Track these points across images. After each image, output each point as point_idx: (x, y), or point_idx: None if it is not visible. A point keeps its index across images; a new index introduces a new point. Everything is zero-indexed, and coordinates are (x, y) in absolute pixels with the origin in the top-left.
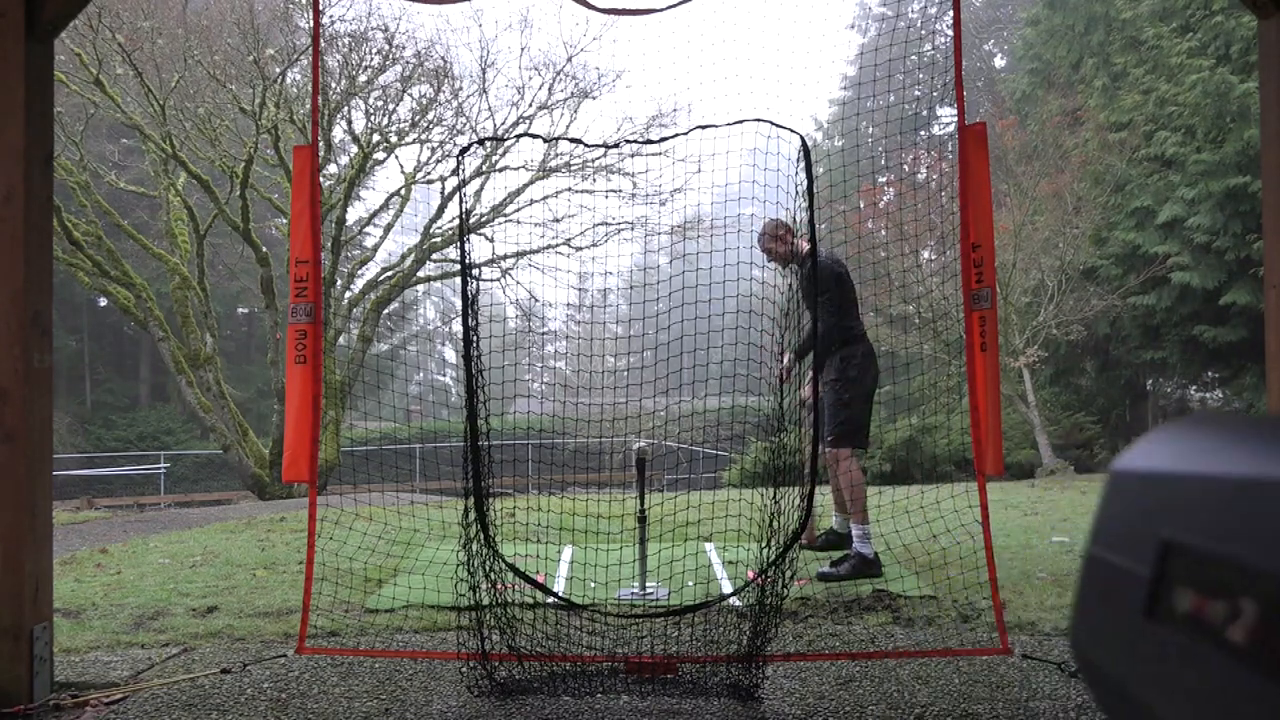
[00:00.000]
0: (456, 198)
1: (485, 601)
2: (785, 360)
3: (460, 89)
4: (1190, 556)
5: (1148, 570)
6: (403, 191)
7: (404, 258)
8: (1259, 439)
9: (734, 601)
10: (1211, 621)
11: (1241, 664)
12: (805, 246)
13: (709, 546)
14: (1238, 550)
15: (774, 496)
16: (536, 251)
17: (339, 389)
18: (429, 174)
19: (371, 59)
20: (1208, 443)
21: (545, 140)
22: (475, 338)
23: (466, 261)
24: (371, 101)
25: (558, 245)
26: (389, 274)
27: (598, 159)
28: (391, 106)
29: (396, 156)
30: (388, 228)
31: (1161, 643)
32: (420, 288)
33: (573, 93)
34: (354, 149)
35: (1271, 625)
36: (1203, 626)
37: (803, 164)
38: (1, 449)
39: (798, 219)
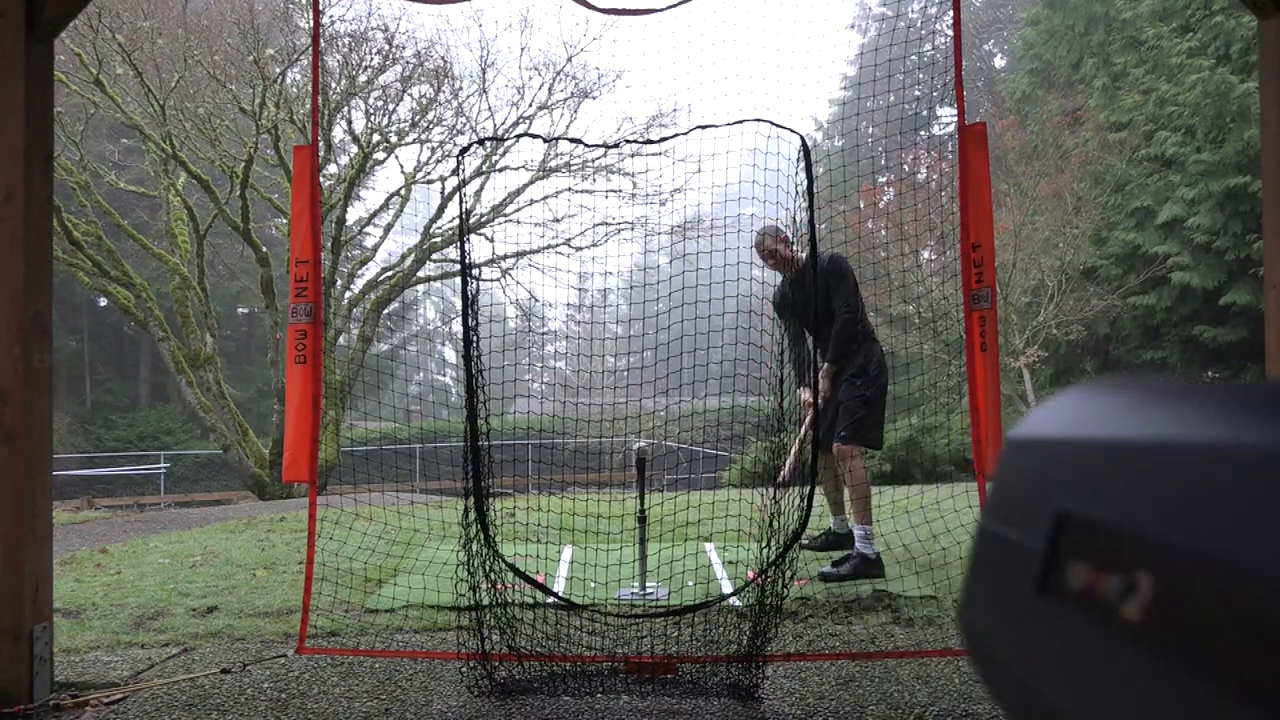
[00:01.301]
0: (456, 198)
1: (485, 601)
2: (823, 384)
3: (460, 89)
4: (1084, 528)
5: (1040, 544)
6: (403, 191)
7: (404, 258)
8: (1161, 402)
9: (734, 601)
10: (1105, 598)
11: (1133, 642)
12: (802, 256)
13: (709, 546)
14: (1131, 520)
15: (774, 496)
16: (536, 251)
17: (339, 389)
18: (429, 174)
19: (371, 59)
20: (1108, 407)
21: (545, 140)
22: (475, 338)
23: (466, 261)
24: (371, 101)
25: (558, 245)
26: (389, 274)
27: (598, 159)
28: (391, 106)
29: (396, 156)
30: (388, 228)
31: (1053, 622)
32: (420, 288)
33: (573, 93)
34: (354, 149)
35: (1164, 600)
36: (1096, 603)
37: (803, 164)
38: (1, 449)
39: (797, 219)
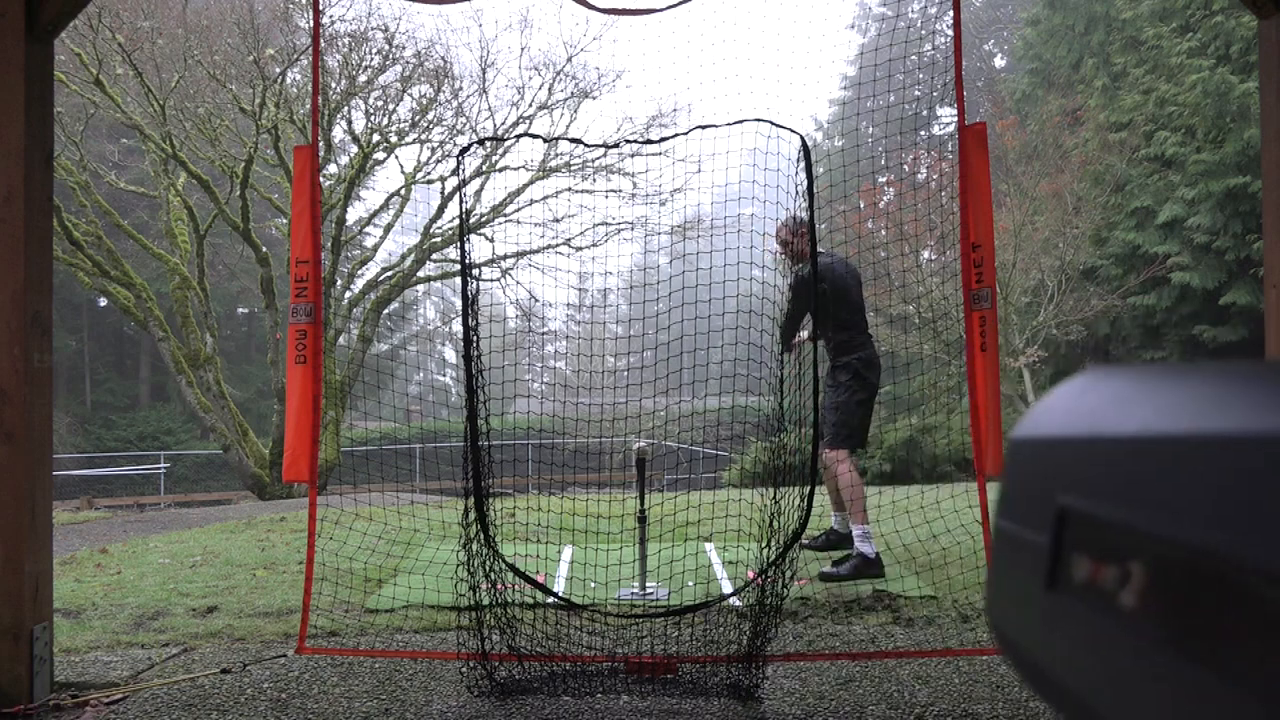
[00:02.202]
0: (456, 198)
1: (485, 601)
2: (804, 336)
3: (460, 89)
4: (1085, 522)
5: (1046, 539)
6: (403, 191)
7: (404, 258)
8: (1148, 391)
9: (734, 601)
10: (1107, 589)
11: (1134, 632)
12: (820, 249)
13: (709, 546)
14: (1126, 513)
15: (774, 496)
16: (536, 251)
17: (339, 389)
18: (429, 174)
19: (371, 59)
20: (1102, 400)
21: (545, 140)
22: (475, 338)
23: (466, 261)
24: (371, 101)
25: (558, 245)
26: (389, 274)
27: (598, 159)
28: (391, 106)
29: (396, 156)
30: (388, 228)
31: (1062, 614)
32: (420, 288)
33: (573, 93)
34: (354, 149)
35: (1160, 590)
36: (1099, 594)
37: (803, 164)
38: (1, 449)
39: (798, 219)
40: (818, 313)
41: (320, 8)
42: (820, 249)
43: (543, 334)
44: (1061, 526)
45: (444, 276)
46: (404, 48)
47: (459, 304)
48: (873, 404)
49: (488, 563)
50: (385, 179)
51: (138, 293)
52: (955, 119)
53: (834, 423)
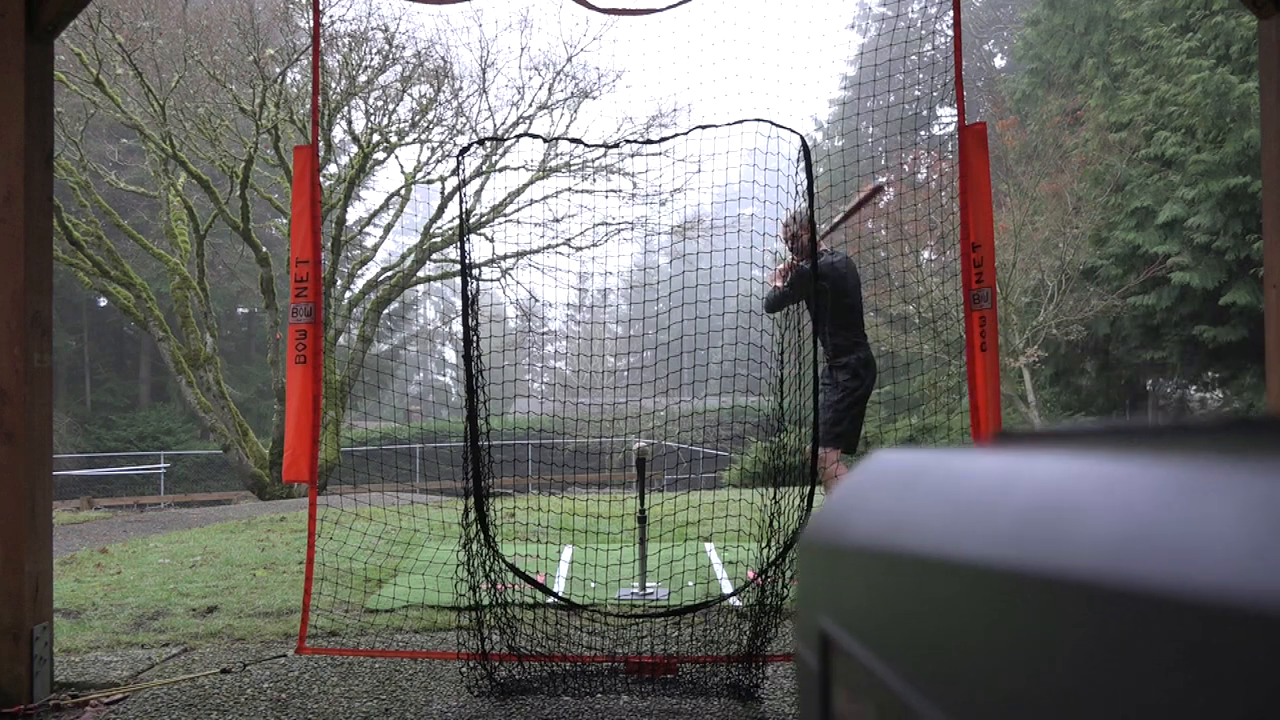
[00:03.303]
0: (456, 198)
1: (485, 601)
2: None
3: (460, 89)
4: (840, 652)
5: (816, 667)
6: (403, 191)
7: (404, 258)
8: (913, 487)
9: (734, 601)
10: None
11: None
12: (821, 245)
13: (709, 546)
14: (860, 647)
15: (774, 496)
16: (536, 251)
17: (339, 389)
18: (429, 174)
19: (371, 59)
20: (873, 497)
21: (545, 140)
22: (475, 338)
23: (466, 261)
24: (371, 101)
25: (558, 245)
26: (389, 274)
27: (598, 159)
28: (391, 106)
29: (396, 156)
30: (388, 228)
31: None
32: (420, 288)
33: (573, 93)
34: (354, 149)
35: None
36: None
37: (803, 164)
38: (1, 449)
39: (798, 219)
40: (817, 311)
41: (320, 8)
42: (824, 247)
43: (543, 334)
44: (826, 654)
45: (444, 276)
46: (404, 48)
47: (459, 304)
48: (865, 405)
49: (488, 563)
50: (385, 179)
51: (138, 293)
52: (955, 119)
53: (825, 421)
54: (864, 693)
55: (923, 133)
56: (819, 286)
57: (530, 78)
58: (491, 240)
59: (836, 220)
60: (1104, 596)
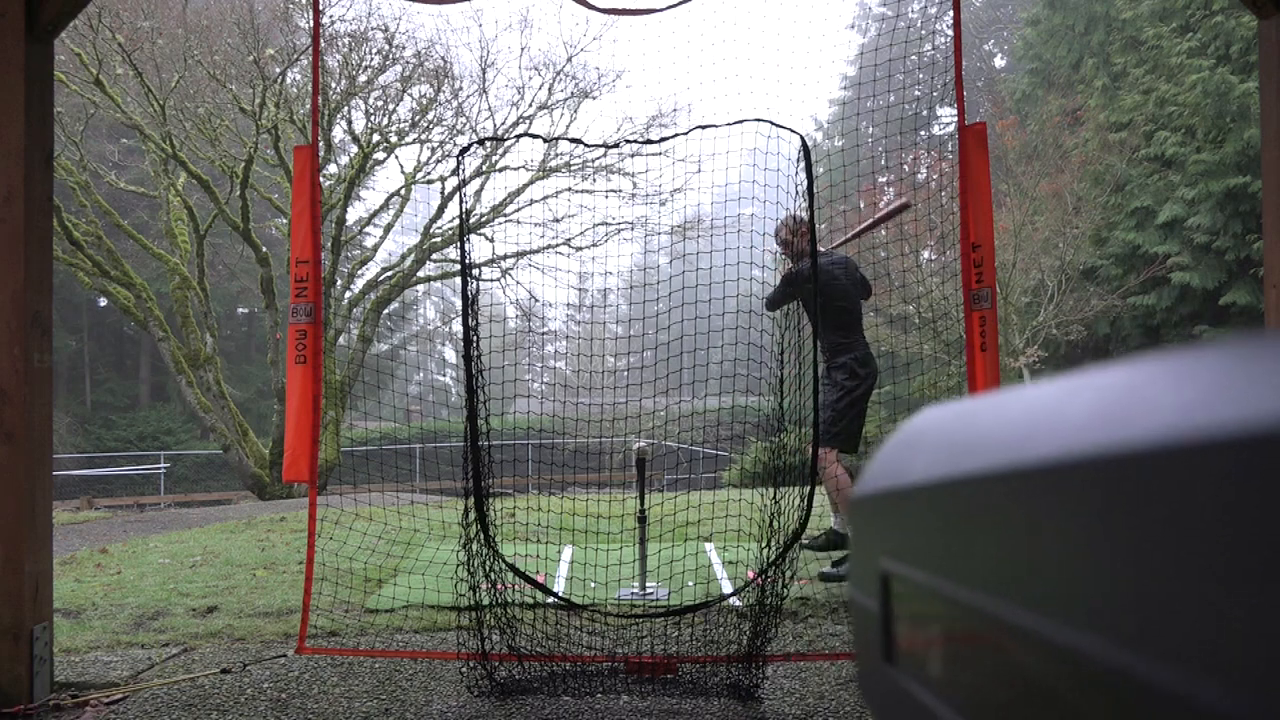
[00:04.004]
0: (456, 198)
1: (485, 601)
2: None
3: (460, 89)
4: (902, 586)
5: (877, 608)
6: (403, 191)
7: (404, 258)
8: (958, 427)
9: (734, 601)
10: (922, 659)
11: (945, 705)
12: (820, 247)
13: (709, 546)
14: (924, 572)
15: (774, 496)
16: (536, 251)
17: (339, 389)
18: (429, 174)
19: (371, 59)
20: (916, 445)
21: (545, 140)
22: (475, 338)
23: (466, 261)
24: (371, 101)
25: (558, 245)
26: (389, 274)
27: (598, 159)
28: (391, 106)
29: (396, 156)
30: (388, 228)
31: (896, 688)
32: (420, 288)
33: (573, 93)
34: (354, 149)
35: (957, 654)
36: (917, 664)
37: (803, 164)
38: (1, 449)
39: (798, 218)
40: (813, 313)
41: (320, 8)
42: (821, 248)
43: (543, 334)
44: (887, 593)
45: (444, 276)
46: (404, 48)
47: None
48: (866, 405)
49: (488, 563)
50: (385, 179)
51: (138, 293)
52: (955, 119)
53: (824, 421)
54: (926, 615)
55: (923, 133)
56: (808, 289)
57: (530, 78)
58: (491, 240)
59: (854, 232)
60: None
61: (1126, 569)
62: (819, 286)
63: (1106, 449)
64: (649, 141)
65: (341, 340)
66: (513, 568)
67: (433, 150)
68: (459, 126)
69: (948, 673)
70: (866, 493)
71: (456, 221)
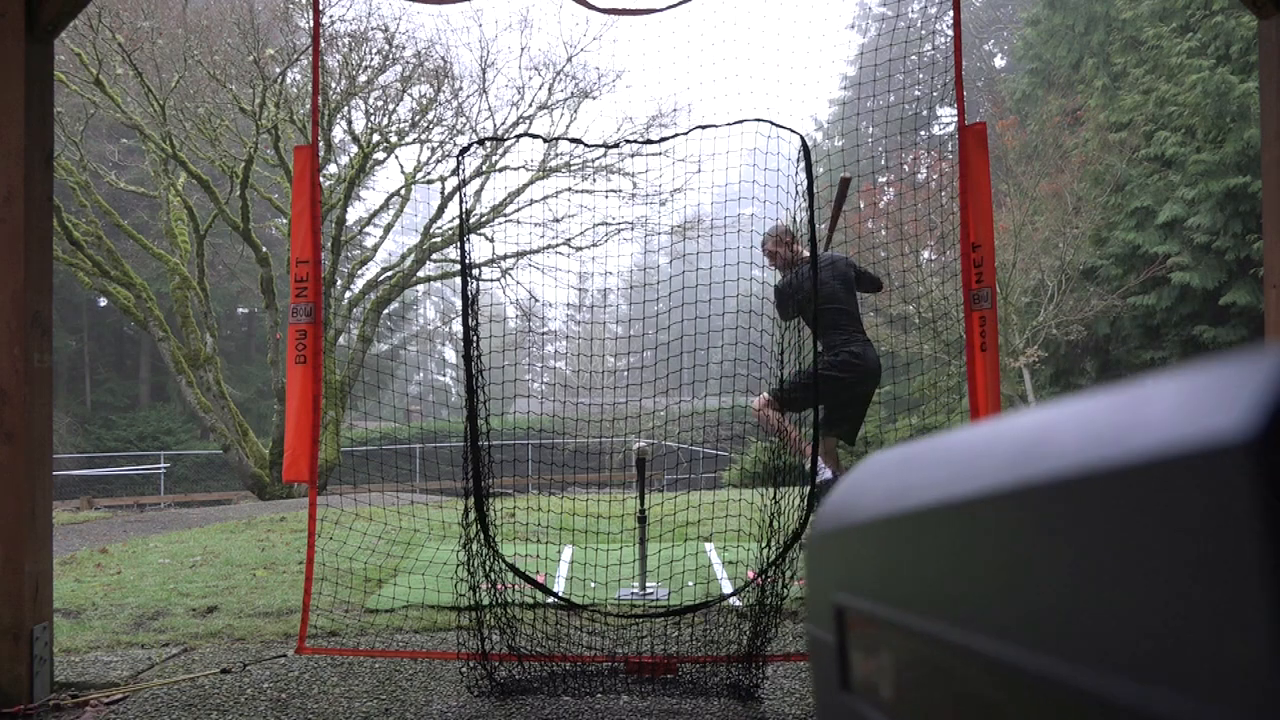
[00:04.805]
0: (456, 198)
1: (485, 601)
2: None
3: (460, 89)
4: (853, 618)
5: (833, 639)
6: (403, 191)
7: (404, 258)
8: (897, 469)
9: (734, 601)
10: (876, 686)
11: None
12: (806, 254)
13: (709, 546)
14: (874, 603)
15: (774, 496)
16: (536, 251)
17: (339, 389)
18: (429, 174)
19: (371, 59)
20: (874, 482)
21: (545, 140)
22: (475, 338)
23: (466, 261)
24: (371, 101)
25: (558, 245)
26: (389, 274)
27: (598, 159)
28: (391, 106)
29: (396, 156)
30: (388, 228)
31: (854, 714)
32: (420, 288)
33: (573, 93)
34: (354, 149)
35: (905, 677)
36: (872, 690)
37: (803, 164)
38: (1, 449)
39: (798, 219)
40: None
41: (320, 8)
42: (805, 254)
43: (543, 334)
44: (841, 624)
45: (444, 276)
46: (404, 48)
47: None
48: (853, 396)
49: (488, 563)
50: (385, 179)
51: (138, 293)
52: (955, 119)
53: (788, 381)
54: (879, 643)
55: (923, 133)
56: (798, 298)
57: (530, 78)
58: (491, 240)
59: (825, 229)
60: (1078, 483)
61: (1048, 587)
62: (806, 293)
63: (1021, 483)
64: (649, 141)
65: (341, 340)
66: (513, 568)
67: (433, 150)
68: (459, 126)
69: (899, 695)
70: (820, 532)
71: (456, 221)
